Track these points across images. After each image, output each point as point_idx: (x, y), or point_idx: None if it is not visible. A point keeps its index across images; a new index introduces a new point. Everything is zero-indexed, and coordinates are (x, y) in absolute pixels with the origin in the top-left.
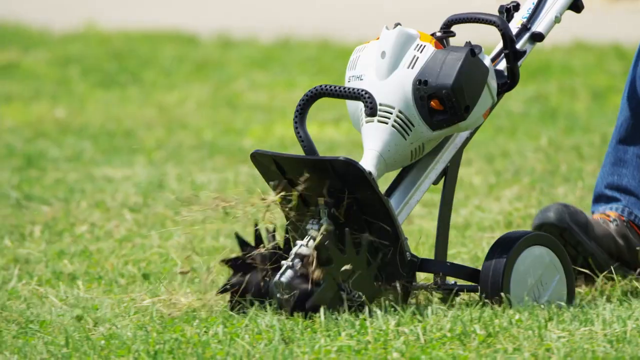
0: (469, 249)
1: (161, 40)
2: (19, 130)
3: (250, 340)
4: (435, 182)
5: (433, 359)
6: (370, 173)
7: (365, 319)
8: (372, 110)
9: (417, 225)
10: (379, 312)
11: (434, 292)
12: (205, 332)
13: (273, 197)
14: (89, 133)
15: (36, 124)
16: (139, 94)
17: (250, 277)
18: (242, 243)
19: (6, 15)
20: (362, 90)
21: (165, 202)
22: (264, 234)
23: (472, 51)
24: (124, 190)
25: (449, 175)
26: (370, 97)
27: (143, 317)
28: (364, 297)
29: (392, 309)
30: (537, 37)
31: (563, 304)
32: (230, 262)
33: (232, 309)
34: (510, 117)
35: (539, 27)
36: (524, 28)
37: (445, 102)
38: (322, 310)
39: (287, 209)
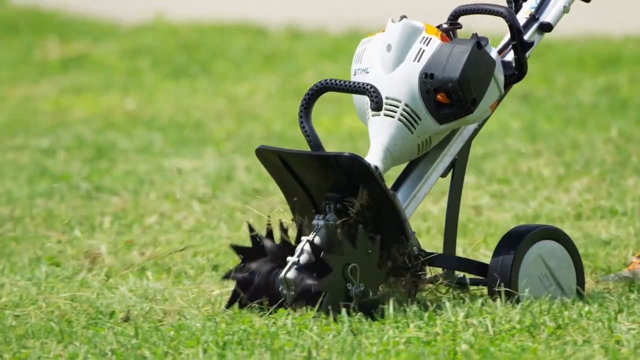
0: None
1: (231, 31)
2: (89, 121)
3: (319, 332)
4: (444, 175)
5: (502, 350)
6: (376, 168)
7: (434, 311)
8: (377, 104)
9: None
10: (447, 303)
11: (441, 286)
12: (273, 323)
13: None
14: (159, 124)
15: (106, 115)
16: (209, 85)
17: (256, 267)
18: (255, 239)
19: (77, 7)
20: (368, 85)
21: (233, 193)
22: (276, 230)
23: (479, 44)
24: (193, 181)
25: (457, 168)
26: (376, 91)
27: (212, 308)
28: (369, 291)
29: (461, 301)
30: (546, 28)
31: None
32: (240, 250)
33: (231, 302)
34: (580, 108)
35: (547, 17)
36: (532, 18)
37: (452, 96)
38: (390, 301)
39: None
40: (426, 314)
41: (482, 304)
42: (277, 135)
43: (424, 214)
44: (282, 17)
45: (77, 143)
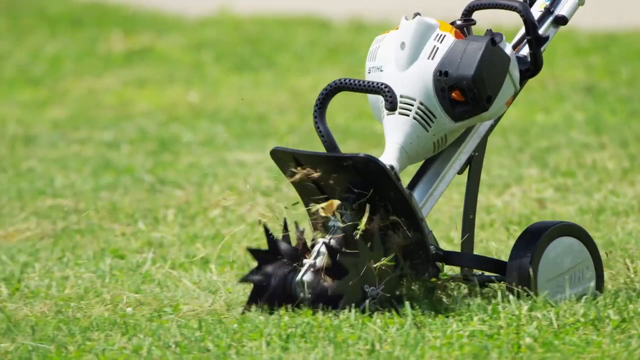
0: (603, 234)
1: (294, 24)
2: (153, 114)
3: (382, 325)
4: (460, 172)
5: (566, 344)
6: (391, 167)
7: (497, 304)
8: (392, 104)
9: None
10: (511, 297)
11: (461, 284)
12: (336, 316)
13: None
14: (222, 117)
15: (170, 108)
16: (273, 78)
17: (273, 269)
18: (269, 234)
19: (141, 1)
20: (382, 84)
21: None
22: (292, 231)
23: (493, 40)
24: (256, 174)
25: (474, 165)
26: (390, 91)
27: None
28: (384, 292)
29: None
30: (561, 21)
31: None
32: (255, 253)
33: (249, 303)
34: None
35: (562, 10)
36: (547, 12)
37: (467, 93)
38: (453, 294)
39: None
40: (490, 307)
41: (545, 299)
42: (340, 128)
43: (487, 207)
44: (346, 10)
45: (141, 136)
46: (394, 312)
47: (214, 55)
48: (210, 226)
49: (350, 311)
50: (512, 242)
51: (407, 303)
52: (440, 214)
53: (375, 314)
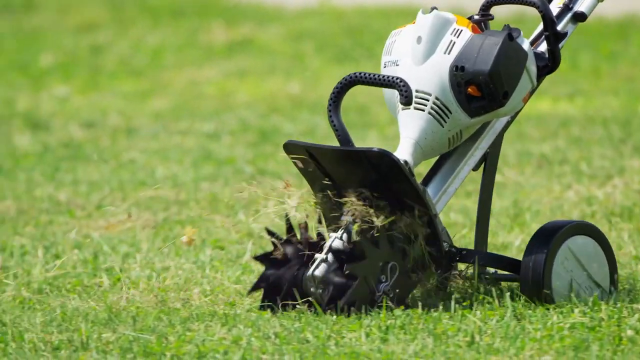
0: None
1: (395, 15)
2: (253, 105)
3: (482, 316)
4: (475, 169)
5: None
6: (406, 162)
7: (598, 296)
8: (407, 99)
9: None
10: (612, 288)
11: (473, 282)
12: (435, 307)
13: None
14: (323, 108)
15: (270, 99)
16: (373, 69)
17: (282, 271)
18: (272, 235)
19: None
20: (397, 78)
21: None
22: (295, 227)
23: (510, 35)
24: None
25: (489, 162)
26: (406, 85)
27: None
28: (396, 291)
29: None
30: (580, 17)
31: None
32: (262, 258)
33: (263, 301)
34: None
35: (581, 6)
36: (566, 8)
37: (483, 89)
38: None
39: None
40: (591, 299)
41: None
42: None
43: (588, 198)
44: (446, 2)
45: (242, 127)
46: (494, 303)
47: (315, 46)
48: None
49: (451, 303)
50: (613, 234)
51: (507, 294)
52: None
53: (475, 304)
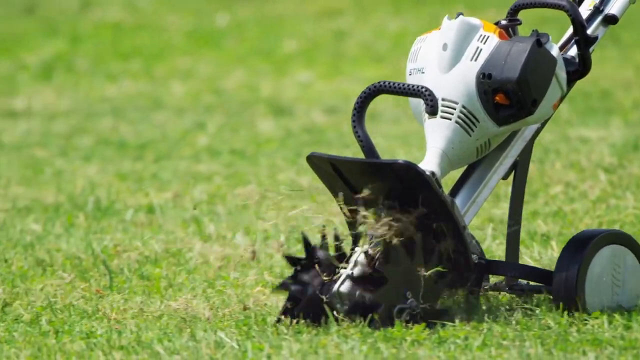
0: None
1: None
2: None
3: None
4: (505, 177)
5: None
6: (432, 173)
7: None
8: (432, 108)
9: None
10: None
11: (505, 294)
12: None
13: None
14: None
15: None
16: (617, 54)
17: (310, 280)
18: (308, 245)
19: None
20: (423, 87)
21: None
22: (330, 241)
23: (539, 41)
24: (599, 151)
25: (519, 170)
26: (431, 94)
27: None
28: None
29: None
30: (611, 20)
31: None
32: (293, 260)
33: (284, 312)
34: None
35: (612, 8)
36: (597, 10)
37: (511, 96)
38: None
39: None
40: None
41: None
42: None
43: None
44: None
45: None
46: None
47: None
48: (551, 203)
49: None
50: None
51: None
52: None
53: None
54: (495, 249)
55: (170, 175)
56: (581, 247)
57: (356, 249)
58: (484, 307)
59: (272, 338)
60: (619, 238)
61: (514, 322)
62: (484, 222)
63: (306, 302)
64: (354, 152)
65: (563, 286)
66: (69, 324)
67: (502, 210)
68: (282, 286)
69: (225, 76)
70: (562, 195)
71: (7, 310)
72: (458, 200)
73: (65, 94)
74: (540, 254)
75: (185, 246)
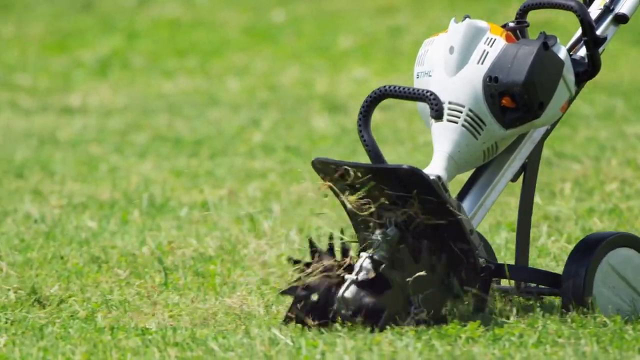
0: None
1: None
2: None
3: None
4: (514, 180)
5: None
6: (439, 177)
7: None
8: (437, 112)
9: None
10: None
11: (513, 297)
12: None
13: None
14: (621, 90)
15: None
16: None
17: (315, 285)
18: (314, 249)
19: None
20: (427, 92)
21: None
22: (337, 247)
23: (545, 44)
24: None
25: (528, 172)
26: (436, 99)
27: None
28: (426, 311)
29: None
30: (621, 19)
31: None
32: (299, 264)
33: (287, 317)
34: None
35: (623, 8)
36: (607, 9)
37: (518, 100)
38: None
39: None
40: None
41: None
42: None
43: None
44: None
45: None
46: None
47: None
48: (607, 200)
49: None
50: None
51: None
52: None
53: None
54: (550, 246)
55: (225, 172)
56: (590, 250)
57: (361, 254)
58: (538, 307)
59: (326, 335)
60: (628, 240)
61: (569, 319)
62: (539, 220)
63: (312, 307)
64: (407, 150)
65: (571, 289)
66: (123, 320)
67: (558, 207)
68: (289, 291)
69: (280, 72)
70: (617, 192)
71: (63, 307)
72: (465, 204)
73: (121, 91)
74: None
75: (239, 243)
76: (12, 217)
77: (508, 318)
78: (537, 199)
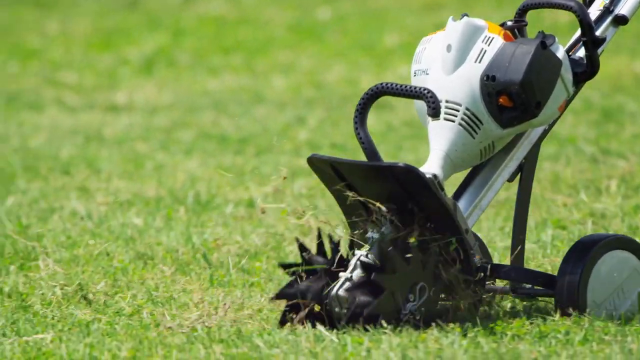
0: None
1: None
2: (597, 84)
3: None
4: (510, 180)
5: None
6: (435, 176)
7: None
8: (434, 111)
9: None
10: None
11: (506, 298)
12: None
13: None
14: None
15: (615, 77)
16: None
17: (307, 286)
18: (303, 249)
19: None
20: (424, 89)
21: None
22: (327, 245)
23: (543, 43)
24: None
25: (525, 173)
26: (433, 96)
27: None
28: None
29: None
30: (621, 20)
31: None
32: (289, 269)
33: (284, 317)
34: None
35: (623, 9)
36: (607, 11)
37: (515, 99)
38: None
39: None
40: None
41: None
42: None
43: None
44: None
45: (585, 106)
46: None
47: None
48: None
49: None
50: None
51: None
52: None
53: None
54: None
55: (270, 169)
56: (585, 252)
57: (356, 252)
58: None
59: (371, 332)
60: (624, 243)
61: (615, 316)
62: (584, 217)
63: (305, 309)
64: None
65: (565, 291)
66: (170, 317)
67: (603, 205)
68: (280, 295)
69: (326, 70)
70: None
71: (109, 304)
72: (461, 203)
73: (167, 88)
74: None
75: (285, 240)
76: (58, 214)
77: (551, 315)
78: (582, 195)
